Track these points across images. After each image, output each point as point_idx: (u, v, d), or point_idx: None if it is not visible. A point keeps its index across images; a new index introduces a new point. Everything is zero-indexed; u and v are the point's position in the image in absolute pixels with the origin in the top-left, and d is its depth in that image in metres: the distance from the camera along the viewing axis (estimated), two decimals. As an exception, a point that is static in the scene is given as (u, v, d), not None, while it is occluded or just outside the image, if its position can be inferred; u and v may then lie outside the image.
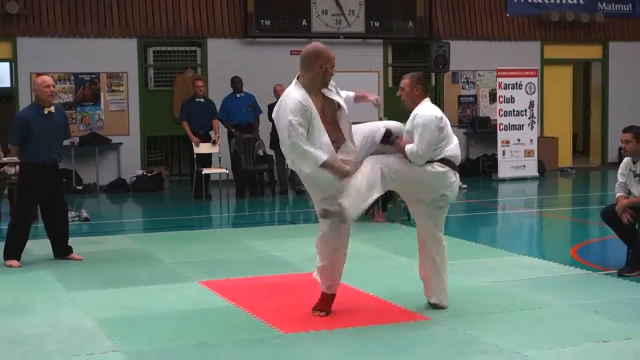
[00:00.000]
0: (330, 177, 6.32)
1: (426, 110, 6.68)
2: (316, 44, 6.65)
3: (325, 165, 6.28)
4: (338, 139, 6.48)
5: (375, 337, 6.17)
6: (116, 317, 6.89)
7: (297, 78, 6.51)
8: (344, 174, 6.36)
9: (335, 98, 6.57)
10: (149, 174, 16.41)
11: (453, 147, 6.73)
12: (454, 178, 6.76)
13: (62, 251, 9.28)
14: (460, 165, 18.90)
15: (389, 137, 6.63)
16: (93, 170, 16.39)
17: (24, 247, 9.14)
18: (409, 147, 6.56)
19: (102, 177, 16.52)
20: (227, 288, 7.53)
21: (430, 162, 6.60)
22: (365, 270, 8.59)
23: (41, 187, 9.03)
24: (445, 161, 6.67)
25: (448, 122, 6.77)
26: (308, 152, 6.26)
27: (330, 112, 6.51)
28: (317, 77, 6.45)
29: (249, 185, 15.64)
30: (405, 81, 6.84)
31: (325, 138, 6.35)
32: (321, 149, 6.30)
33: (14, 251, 9.05)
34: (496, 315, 6.83)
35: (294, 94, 6.39)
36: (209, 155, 15.01)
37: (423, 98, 6.79)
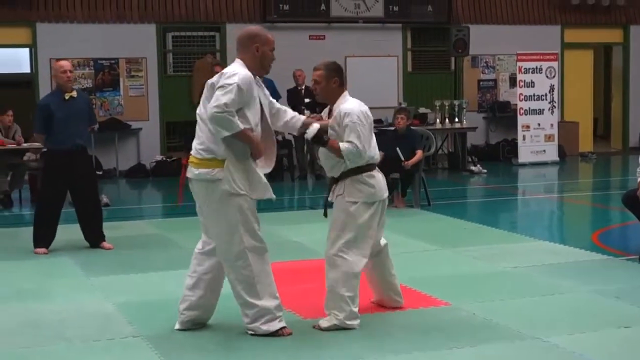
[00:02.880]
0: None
1: (353, 105, 6.04)
2: (253, 27, 6.14)
3: (241, 134, 5.65)
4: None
5: (395, 322, 6.16)
6: (136, 302, 6.91)
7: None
8: (257, 149, 5.77)
9: (264, 100, 5.99)
10: (168, 160, 16.44)
11: (374, 146, 6.12)
12: (379, 178, 6.16)
13: (93, 238, 9.24)
14: (480, 149, 19.02)
15: (322, 137, 5.94)
16: (113, 156, 16.43)
17: (53, 234, 9.09)
18: (344, 146, 5.91)
19: (121, 162, 16.57)
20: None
21: (357, 179, 6.02)
22: (385, 255, 8.57)
23: (66, 174, 8.99)
24: (370, 167, 6.09)
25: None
26: (232, 119, 5.61)
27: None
28: (254, 60, 5.89)
29: (268, 171, 15.60)
30: (318, 72, 6.12)
31: (259, 126, 5.87)
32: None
33: (40, 238, 9.03)
34: (517, 301, 6.80)
35: (244, 70, 5.81)
36: (228, 141, 14.98)
37: (342, 91, 6.11)
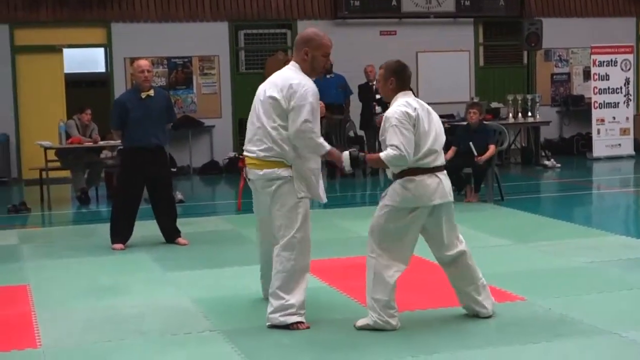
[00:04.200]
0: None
1: (395, 107, 5.81)
2: (312, 29, 6.27)
3: (326, 153, 5.99)
4: None
5: (470, 317, 6.13)
6: (212, 297, 6.99)
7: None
8: (341, 163, 6.05)
9: None
10: (241, 156, 16.54)
11: (426, 150, 5.80)
12: (432, 183, 5.84)
13: (169, 234, 9.36)
14: (554, 144, 18.73)
15: (357, 159, 5.96)
16: (186, 153, 16.63)
17: (131, 230, 9.23)
18: (384, 154, 5.73)
19: (195, 159, 16.77)
20: (321, 268, 7.56)
21: (401, 179, 5.82)
22: (459, 250, 8.54)
23: (142, 171, 9.10)
24: (411, 171, 5.81)
25: (424, 119, 5.84)
26: (318, 140, 5.93)
27: None
28: (305, 63, 6.06)
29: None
30: (380, 71, 6.04)
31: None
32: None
33: (117, 234, 9.17)
34: (593, 296, 6.72)
35: (306, 79, 6.00)
36: (300, 137, 15.05)
37: (398, 92, 5.92)
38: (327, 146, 5.97)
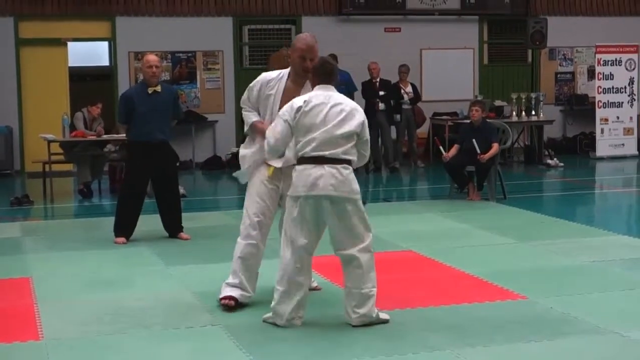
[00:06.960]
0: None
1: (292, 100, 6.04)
2: (305, 33, 6.75)
3: (251, 126, 6.56)
4: None
5: (471, 315, 6.15)
6: (215, 291, 6.94)
7: None
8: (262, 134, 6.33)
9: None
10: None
11: (310, 139, 5.81)
12: (313, 173, 5.80)
13: (172, 228, 9.38)
14: (557, 143, 18.67)
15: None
16: (189, 148, 16.63)
17: (134, 224, 9.23)
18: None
19: (198, 154, 16.77)
20: (323, 264, 7.54)
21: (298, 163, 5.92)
22: (461, 248, 8.56)
23: (147, 166, 9.12)
24: (301, 160, 5.87)
25: (320, 111, 5.83)
26: (245, 114, 6.65)
27: None
28: (290, 64, 6.51)
29: (343, 163, 15.63)
30: None
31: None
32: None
33: (121, 228, 9.18)
34: (595, 295, 6.73)
35: (268, 73, 6.66)
36: (303, 133, 15.04)
37: (315, 85, 6.07)
38: (252, 119, 6.56)
